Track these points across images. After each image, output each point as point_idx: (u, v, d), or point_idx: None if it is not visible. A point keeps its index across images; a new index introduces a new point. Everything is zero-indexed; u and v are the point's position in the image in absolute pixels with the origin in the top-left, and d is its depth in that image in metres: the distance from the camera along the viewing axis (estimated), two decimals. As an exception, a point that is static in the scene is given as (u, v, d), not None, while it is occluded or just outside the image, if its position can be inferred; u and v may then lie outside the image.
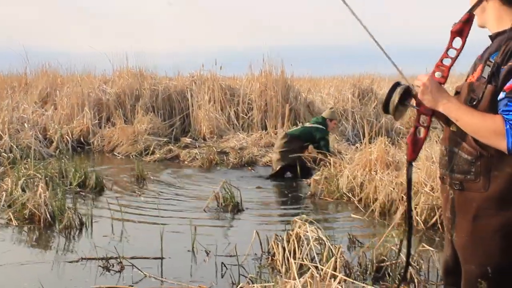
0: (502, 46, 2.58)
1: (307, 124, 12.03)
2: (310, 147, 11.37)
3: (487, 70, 2.57)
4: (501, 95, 2.48)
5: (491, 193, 2.57)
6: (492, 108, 2.52)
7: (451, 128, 2.76)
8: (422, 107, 2.73)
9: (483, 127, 2.49)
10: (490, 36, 2.76)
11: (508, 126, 2.43)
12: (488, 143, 2.51)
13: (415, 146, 2.83)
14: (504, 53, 2.52)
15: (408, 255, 3.34)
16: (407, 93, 2.76)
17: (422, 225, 7.09)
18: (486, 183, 2.59)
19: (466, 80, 2.80)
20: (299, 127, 12.31)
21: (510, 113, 2.44)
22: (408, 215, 3.19)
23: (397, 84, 2.77)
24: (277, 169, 11.04)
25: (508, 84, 2.46)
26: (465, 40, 2.70)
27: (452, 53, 2.72)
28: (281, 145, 11.14)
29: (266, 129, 16.60)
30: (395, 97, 2.72)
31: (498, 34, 2.69)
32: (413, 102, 2.80)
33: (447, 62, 2.72)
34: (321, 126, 11.34)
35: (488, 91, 2.55)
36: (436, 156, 8.30)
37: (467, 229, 2.67)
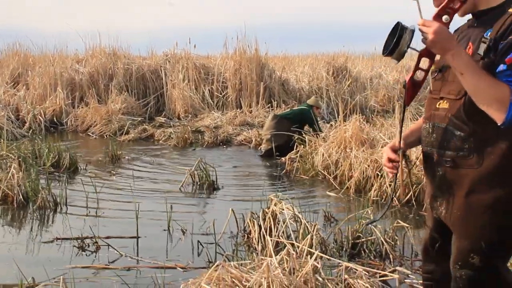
0: (494, 22, 2.55)
1: (295, 108, 12.08)
2: (306, 127, 11.35)
3: (483, 46, 2.54)
4: (502, 67, 2.44)
5: (485, 169, 2.56)
6: None
7: (440, 106, 2.72)
8: (424, 50, 2.61)
9: (487, 90, 2.44)
10: (473, 14, 2.73)
11: None
12: (484, 107, 2.46)
13: (414, 91, 2.74)
14: (502, 29, 2.49)
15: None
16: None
17: (396, 201, 7.14)
18: (480, 159, 2.57)
19: None
20: (287, 110, 12.36)
21: None
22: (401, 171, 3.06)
23: (403, 28, 2.56)
24: (265, 151, 11.01)
25: (508, 57, 2.43)
26: None
27: None
28: (271, 126, 11.11)
29: (240, 107, 16.58)
30: (404, 45, 2.55)
31: (484, 12, 2.67)
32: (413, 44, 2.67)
33: (455, 4, 2.59)
34: (308, 109, 11.40)
35: (483, 66, 2.51)
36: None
37: (460, 205, 2.65)
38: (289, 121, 11.05)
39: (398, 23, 2.57)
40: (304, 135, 10.19)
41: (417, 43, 2.58)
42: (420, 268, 4.91)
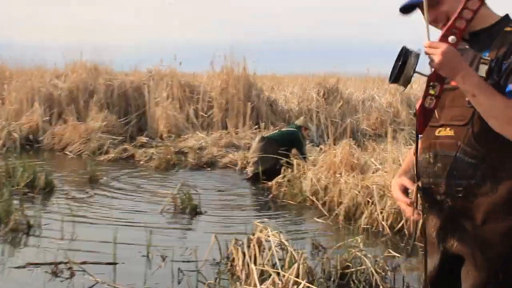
0: (491, 42, 2.56)
1: (284, 129, 12.10)
2: (293, 151, 11.34)
3: (483, 68, 2.54)
4: (511, 87, 2.45)
5: (499, 196, 2.53)
6: None
7: (443, 133, 2.68)
8: (434, 75, 2.56)
9: (502, 110, 2.43)
10: (463, 38, 2.72)
11: None
12: (498, 128, 2.45)
13: (426, 118, 2.64)
14: (503, 49, 2.50)
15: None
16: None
17: (388, 230, 7.14)
18: (494, 186, 2.54)
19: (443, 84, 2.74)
20: (276, 131, 12.37)
21: None
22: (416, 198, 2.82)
23: (408, 52, 2.53)
24: (252, 174, 10.98)
25: None
26: (483, 2, 2.56)
27: (466, 14, 2.54)
28: (258, 149, 11.08)
29: (226, 128, 16.58)
30: (409, 69, 2.51)
31: (477, 33, 2.68)
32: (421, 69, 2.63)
33: (460, 24, 2.54)
34: (297, 131, 11.41)
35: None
36: (402, 159, 8.36)
37: (475, 235, 2.60)
38: (277, 143, 11.03)
39: (403, 48, 2.55)
40: (291, 159, 10.19)
41: (425, 68, 2.55)
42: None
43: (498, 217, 2.55)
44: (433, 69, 2.54)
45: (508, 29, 2.55)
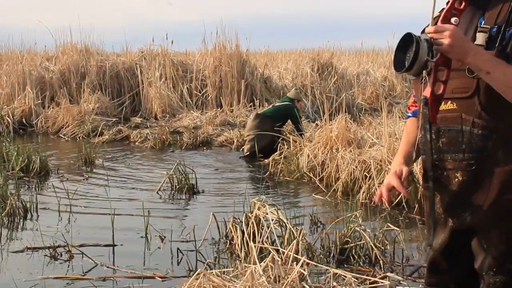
0: (488, 9, 2.55)
1: (277, 104, 12.07)
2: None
3: (482, 36, 2.51)
4: None
5: None
6: None
7: (444, 107, 2.63)
8: (440, 59, 2.49)
9: None
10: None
11: None
12: None
13: (437, 106, 2.59)
14: (503, 15, 2.49)
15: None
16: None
17: (386, 204, 7.14)
18: (506, 156, 2.54)
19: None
20: (269, 107, 12.32)
21: None
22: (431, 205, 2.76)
23: (418, 39, 2.44)
24: (248, 152, 10.98)
25: None
26: None
27: None
28: (253, 126, 11.06)
29: (221, 106, 16.55)
30: (423, 55, 2.43)
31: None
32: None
33: (459, 5, 2.52)
34: (292, 105, 11.38)
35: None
36: (399, 133, 8.37)
37: (491, 208, 2.58)
38: (272, 119, 11.02)
39: (410, 34, 2.48)
40: (288, 136, 10.18)
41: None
42: (410, 276, 4.95)
43: None
44: (438, 54, 2.47)
45: None
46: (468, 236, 2.72)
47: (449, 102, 2.61)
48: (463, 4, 2.51)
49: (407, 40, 2.47)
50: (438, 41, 2.43)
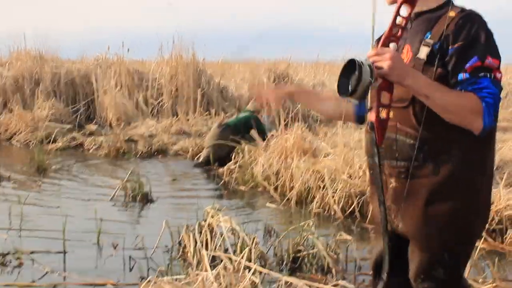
0: (433, 25, 2.61)
1: (240, 115, 12.10)
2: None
3: (425, 50, 2.58)
4: (464, 75, 2.49)
5: (441, 178, 2.59)
6: None
7: (382, 116, 2.70)
8: (383, 83, 2.55)
9: (457, 105, 2.48)
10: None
11: (484, 104, 2.45)
12: (458, 122, 2.50)
13: (383, 130, 2.63)
14: (446, 33, 2.54)
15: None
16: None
17: (340, 213, 7.22)
18: (436, 168, 2.59)
19: None
20: (233, 118, 12.35)
21: (483, 91, 2.46)
22: (383, 213, 2.76)
23: (360, 63, 2.48)
24: (204, 160, 10.98)
25: (469, 64, 2.48)
26: (413, 8, 2.58)
27: (400, 22, 2.57)
28: (214, 135, 11.06)
29: (177, 115, 16.49)
30: (366, 79, 2.46)
31: (420, 14, 2.72)
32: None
33: (396, 31, 2.58)
34: (253, 116, 11.44)
35: (428, 72, 2.54)
36: (353, 142, 8.47)
37: (419, 216, 2.66)
38: (231, 129, 11.03)
39: (352, 60, 2.51)
40: (245, 143, 10.16)
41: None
42: (362, 283, 5.00)
43: (441, 198, 2.61)
44: (380, 78, 2.52)
45: (452, 14, 2.59)
46: (407, 244, 2.80)
47: (385, 110, 2.66)
48: (400, 32, 2.57)
49: (350, 66, 2.51)
50: (379, 64, 2.47)
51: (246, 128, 11.18)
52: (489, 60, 2.49)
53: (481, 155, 2.62)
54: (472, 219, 2.64)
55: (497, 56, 2.53)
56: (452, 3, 2.70)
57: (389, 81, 2.53)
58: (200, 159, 11.13)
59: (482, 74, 2.48)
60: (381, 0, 2.75)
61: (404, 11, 2.57)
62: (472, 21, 2.54)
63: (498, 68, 2.52)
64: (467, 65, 2.49)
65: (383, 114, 2.62)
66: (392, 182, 2.75)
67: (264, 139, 10.87)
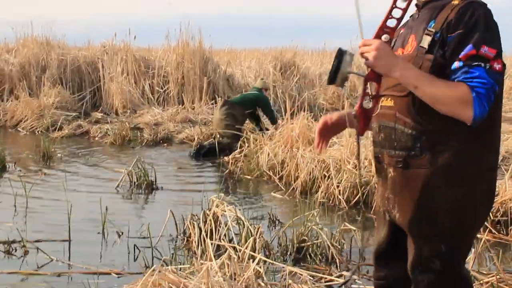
0: (436, 14, 2.60)
1: (245, 93, 12.05)
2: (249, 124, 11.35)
3: (427, 39, 2.57)
4: (457, 63, 2.47)
5: (439, 169, 2.57)
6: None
7: (384, 104, 2.73)
8: (370, 74, 2.60)
9: (446, 95, 2.47)
10: (417, 5, 2.77)
11: (474, 94, 2.42)
12: (449, 112, 2.49)
13: (365, 119, 2.68)
14: (447, 21, 2.52)
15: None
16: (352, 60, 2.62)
17: (344, 204, 7.22)
18: (433, 158, 2.58)
19: None
20: (238, 96, 12.30)
21: (474, 80, 2.43)
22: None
23: (343, 52, 2.58)
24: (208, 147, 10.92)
25: (464, 53, 2.46)
26: (411, 1, 2.60)
27: (396, 13, 2.61)
28: (222, 114, 10.92)
29: (183, 103, 16.51)
30: (345, 67, 2.56)
31: (427, 2, 2.71)
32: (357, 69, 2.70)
33: (391, 23, 2.61)
34: (262, 94, 11.42)
35: (427, 61, 2.54)
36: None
37: (416, 207, 2.65)
38: (241, 106, 11.00)
39: (339, 49, 2.59)
40: (249, 134, 10.12)
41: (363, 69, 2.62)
42: (366, 274, 5.00)
43: (437, 190, 2.61)
44: (369, 69, 2.58)
45: (455, 1, 2.57)
46: (405, 233, 2.80)
47: (389, 98, 2.71)
48: (395, 23, 2.60)
49: (336, 54, 2.59)
50: (365, 55, 2.53)
51: (253, 106, 11.13)
52: (485, 49, 2.45)
53: (479, 146, 2.60)
54: (469, 211, 2.63)
55: (495, 45, 2.49)
56: None
57: (377, 72, 2.56)
58: (204, 146, 11.05)
59: (476, 63, 2.45)
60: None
61: (402, 3, 2.58)
62: (472, 10, 2.51)
63: (496, 58, 2.47)
64: (462, 53, 2.47)
65: (368, 104, 2.65)
66: (391, 172, 2.76)
67: (272, 120, 10.89)
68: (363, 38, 2.58)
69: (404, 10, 2.60)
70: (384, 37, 2.58)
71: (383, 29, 2.59)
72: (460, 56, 2.47)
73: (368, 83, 2.63)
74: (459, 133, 2.54)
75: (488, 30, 2.50)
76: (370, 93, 2.65)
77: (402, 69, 2.51)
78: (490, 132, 2.62)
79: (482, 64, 2.45)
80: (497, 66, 2.47)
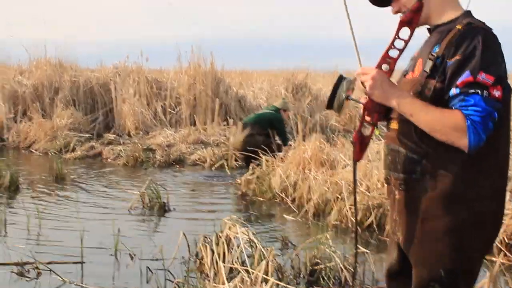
0: (443, 38, 2.60)
1: (260, 112, 12.03)
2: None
3: (429, 64, 2.57)
4: (454, 90, 2.47)
5: (438, 193, 2.57)
6: (433, 103, 2.52)
7: (391, 126, 2.76)
8: (369, 103, 2.66)
9: (441, 123, 2.47)
10: (428, 29, 2.79)
11: (469, 122, 2.42)
12: (445, 140, 2.49)
13: (362, 145, 2.76)
14: (448, 46, 2.53)
15: (356, 258, 3.42)
16: (351, 87, 2.68)
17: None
18: (434, 183, 2.58)
19: (404, 76, 2.81)
20: (252, 115, 12.29)
21: (469, 108, 2.43)
22: (355, 221, 3.11)
23: (342, 78, 2.68)
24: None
25: (461, 80, 2.45)
26: (413, 31, 2.64)
27: (399, 44, 2.65)
28: (244, 136, 10.97)
29: (195, 125, 16.53)
30: (341, 93, 2.64)
31: (437, 27, 2.73)
32: (358, 97, 2.75)
33: (393, 53, 2.65)
34: (277, 114, 11.38)
35: (430, 84, 2.54)
36: (372, 154, 8.45)
37: (416, 231, 2.66)
38: (258, 125, 11.04)
39: (339, 75, 2.68)
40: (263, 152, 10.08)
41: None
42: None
43: (437, 214, 2.60)
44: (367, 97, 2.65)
45: (459, 26, 2.57)
46: None
47: (394, 122, 2.74)
48: (397, 54, 2.65)
49: (336, 82, 2.69)
50: (363, 83, 2.61)
51: (269, 126, 11.10)
52: (482, 76, 2.44)
53: (475, 173, 2.58)
54: (469, 236, 2.60)
55: (493, 72, 2.46)
56: (469, 15, 2.69)
57: (374, 100, 2.63)
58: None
59: (472, 90, 2.44)
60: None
61: (405, 34, 2.63)
62: (472, 35, 2.50)
63: (495, 85, 2.45)
64: (459, 80, 2.47)
65: (365, 131, 2.72)
66: (397, 194, 2.78)
67: (284, 142, 10.83)
68: (361, 65, 2.64)
69: (406, 42, 2.65)
70: (384, 67, 2.64)
71: (385, 59, 2.65)
72: (457, 83, 2.47)
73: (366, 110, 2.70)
74: (459, 158, 2.53)
75: (487, 56, 2.47)
76: (368, 120, 2.73)
77: (398, 97, 2.55)
78: (487, 160, 2.58)
79: (480, 92, 2.43)
80: (496, 93, 2.45)
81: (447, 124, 2.47)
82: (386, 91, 2.57)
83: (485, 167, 2.59)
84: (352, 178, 2.93)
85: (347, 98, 2.65)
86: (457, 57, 2.49)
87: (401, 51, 2.65)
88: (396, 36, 2.64)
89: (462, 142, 2.45)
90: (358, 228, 7.14)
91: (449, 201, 2.58)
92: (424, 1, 2.68)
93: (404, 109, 2.55)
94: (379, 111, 2.69)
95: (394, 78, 2.71)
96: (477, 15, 2.69)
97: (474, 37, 2.50)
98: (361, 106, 2.72)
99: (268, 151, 10.01)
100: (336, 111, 2.72)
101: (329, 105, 2.69)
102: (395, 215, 2.82)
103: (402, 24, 2.64)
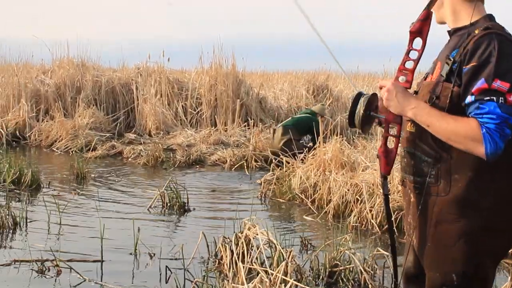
0: (461, 43, 2.58)
1: (297, 116, 12.10)
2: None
3: (446, 68, 2.56)
4: (470, 98, 2.45)
5: (452, 197, 2.56)
6: (451, 108, 2.51)
7: (408, 129, 2.75)
8: (390, 116, 2.68)
9: (457, 132, 2.46)
10: (448, 32, 2.77)
11: (484, 130, 2.40)
12: (463, 148, 2.48)
13: (388, 158, 2.78)
14: (464, 52, 2.51)
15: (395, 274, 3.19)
16: (372, 102, 2.72)
17: (377, 228, 7.16)
18: (447, 187, 2.58)
19: (425, 79, 2.80)
20: (290, 119, 12.38)
21: (484, 116, 2.41)
22: (390, 235, 3.14)
23: (360, 94, 2.72)
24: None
25: (476, 87, 2.43)
26: (426, 40, 2.66)
27: (413, 54, 2.67)
28: (282, 140, 11.28)
29: (215, 125, 16.55)
30: (360, 108, 2.68)
31: (456, 30, 2.71)
32: (380, 111, 2.76)
33: (409, 65, 2.68)
34: (315, 118, 11.46)
35: (446, 90, 2.54)
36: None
37: (429, 235, 2.65)
38: (296, 130, 11.32)
39: (358, 92, 2.74)
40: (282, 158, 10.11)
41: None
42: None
43: (452, 218, 2.59)
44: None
45: (477, 31, 2.56)
46: None
47: (412, 125, 2.73)
48: (413, 65, 2.68)
49: (354, 99, 2.75)
50: (382, 97, 2.66)
51: (307, 131, 11.26)
52: (497, 83, 2.41)
53: (491, 179, 2.56)
54: (482, 242, 2.59)
55: (508, 78, 2.43)
56: (489, 19, 2.66)
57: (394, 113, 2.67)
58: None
59: (488, 97, 2.42)
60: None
61: (418, 44, 2.67)
62: (489, 41, 2.48)
63: (511, 91, 2.42)
64: (474, 87, 2.45)
65: (391, 144, 2.76)
66: (412, 197, 2.78)
67: (314, 143, 10.90)
68: (352, 85, 2.71)
69: (420, 52, 2.67)
70: (401, 78, 2.67)
71: (402, 71, 2.68)
72: (472, 90, 2.46)
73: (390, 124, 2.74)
74: (475, 163, 2.52)
75: (502, 62, 2.44)
76: (391, 134, 2.76)
77: (414, 108, 2.57)
78: (501, 167, 2.55)
79: (495, 99, 2.41)
80: None
81: (463, 134, 2.46)
82: (401, 103, 2.60)
83: (499, 175, 2.57)
84: (378, 183, 2.96)
85: (368, 114, 2.69)
86: (472, 64, 2.48)
87: (416, 61, 2.68)
88: (410, 47, 2.67)
89: (479, 150, 2.44)
90: (377, 229, 7.12)
91: (462, 206, 2.57)
92: (444, 2, 2.68)
93: (421, 120, 2.57)
94: (401, 123, 2.71)
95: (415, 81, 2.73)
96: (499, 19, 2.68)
97: (489, 43, 2.48)
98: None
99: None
100: (359, 128, 2.75)
101: (350, 122, 2.73)
102: (410, 218, 2.81)
103: (412, 34, 2.66)
